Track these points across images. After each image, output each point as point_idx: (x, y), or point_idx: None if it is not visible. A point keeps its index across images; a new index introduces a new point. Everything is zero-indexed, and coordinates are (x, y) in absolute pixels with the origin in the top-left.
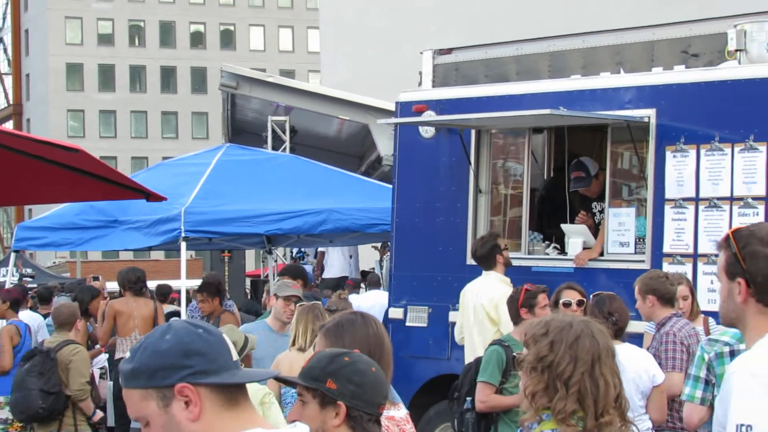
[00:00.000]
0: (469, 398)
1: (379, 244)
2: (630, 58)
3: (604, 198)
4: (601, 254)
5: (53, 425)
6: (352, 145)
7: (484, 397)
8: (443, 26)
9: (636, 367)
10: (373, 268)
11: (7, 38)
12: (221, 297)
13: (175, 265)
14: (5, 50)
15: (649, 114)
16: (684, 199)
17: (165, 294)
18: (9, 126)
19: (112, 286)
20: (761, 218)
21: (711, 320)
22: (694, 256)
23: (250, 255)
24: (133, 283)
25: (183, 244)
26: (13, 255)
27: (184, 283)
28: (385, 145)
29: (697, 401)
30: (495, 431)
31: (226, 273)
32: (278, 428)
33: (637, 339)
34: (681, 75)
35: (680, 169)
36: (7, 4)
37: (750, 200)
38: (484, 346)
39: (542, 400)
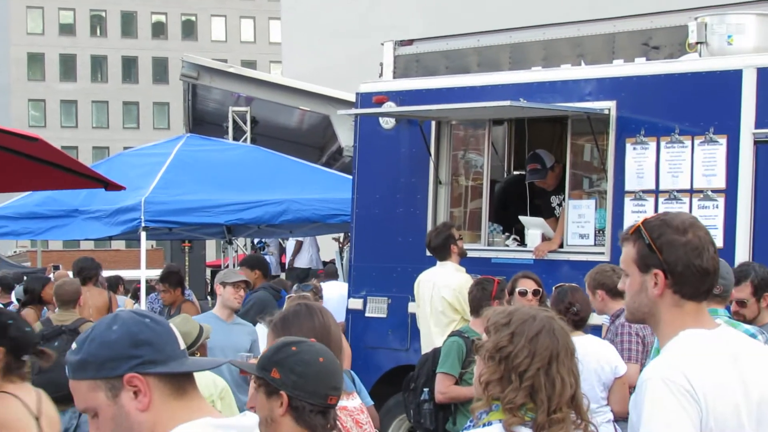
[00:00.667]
0: (426, 389)
1: (341, 236)
2: (591, 50)
3: (561, 190)
4: (561, 246)
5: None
6: (313, 136)
7: (444, 388)
8: (405, 18)
9: (598, 358)
10: (333, 260)
11: None
12: (183, 287)
13: (135, 256)
14: None
15: (609, 106)
16: (644, 191)
17: (115, 285)
18: None
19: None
20: (721, 210)
21: None
22: None
23: (210, 245)
24: (78, 273)
25: (143, 234)
26: None
27: (144, 273)
28: (345, 136)
29: None
30: (453, 422)
31: (187, 263)
32: (228, 417)
33: (598, 331)
34: (641, 67)
35: (640, 161)
36: None
37: (710, 193)
38: (442, 337)
39: (495, 390)
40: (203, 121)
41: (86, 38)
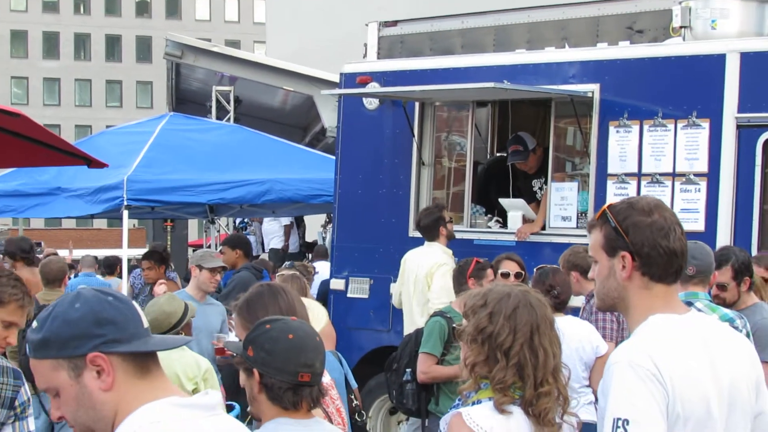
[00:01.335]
0: (408, 369)
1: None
2: (575, 33)
3: (542, 174)
4: (543, 228)
5: None
6: (296, 116)
7: (426, 368)
8: None
9: (579, 338)
10: (316, 240)
11: None
12: (167, 265)
13: (117, 234)
14: None
15: (592, 89)
16: (626, 175)
17: (112, 266)
18: None
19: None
20: (703, 194)
21: None
22: None
23: (192, 225)
24: (26, 252)
25: (125, 213)
26: None
27: (126, 252)
28: (329, 117)
29: None
30: (435, 402)
31: (169, 242)
32: (191, 397)
33: (577, 313)
34: (625, 51)
35: (623, 144)
36: None
37: (692, 176)
38: (423, 316)
39: (482, 371)
40: (186, 100)
41: (70, 16)
